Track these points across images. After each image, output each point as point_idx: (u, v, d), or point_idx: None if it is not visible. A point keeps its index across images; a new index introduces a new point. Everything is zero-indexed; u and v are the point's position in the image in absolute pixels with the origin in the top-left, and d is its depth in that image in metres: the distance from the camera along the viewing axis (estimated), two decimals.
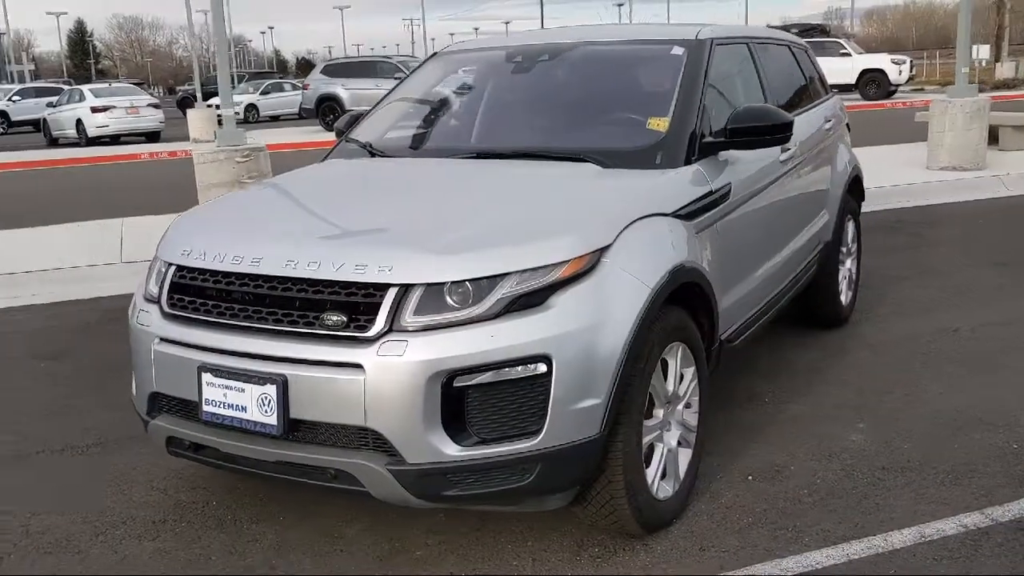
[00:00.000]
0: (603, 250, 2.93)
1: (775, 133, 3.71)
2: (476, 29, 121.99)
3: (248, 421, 2.84)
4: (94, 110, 25.26)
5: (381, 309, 2.71)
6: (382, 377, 2.66)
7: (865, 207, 9.32)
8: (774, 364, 4.93)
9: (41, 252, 8.13)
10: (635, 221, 3.10)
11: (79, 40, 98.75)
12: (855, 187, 5.63)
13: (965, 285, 6.39)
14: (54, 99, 29.04)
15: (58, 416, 4.62)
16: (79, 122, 25.58)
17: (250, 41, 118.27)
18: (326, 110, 24.53)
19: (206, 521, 3.46)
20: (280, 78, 43.68)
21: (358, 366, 2.68)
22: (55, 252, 8.10)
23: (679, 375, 3.28)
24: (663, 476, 3.25)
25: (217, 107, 28.07)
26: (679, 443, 3.35)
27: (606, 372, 2.82)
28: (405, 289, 2.72)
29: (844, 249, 5.51)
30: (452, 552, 3.17)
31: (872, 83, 29.51)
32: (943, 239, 8.04)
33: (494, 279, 2.75)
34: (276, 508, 3.52)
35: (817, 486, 3.55)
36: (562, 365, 2.73)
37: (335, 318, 2.75)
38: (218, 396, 2.89)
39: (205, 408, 2.92)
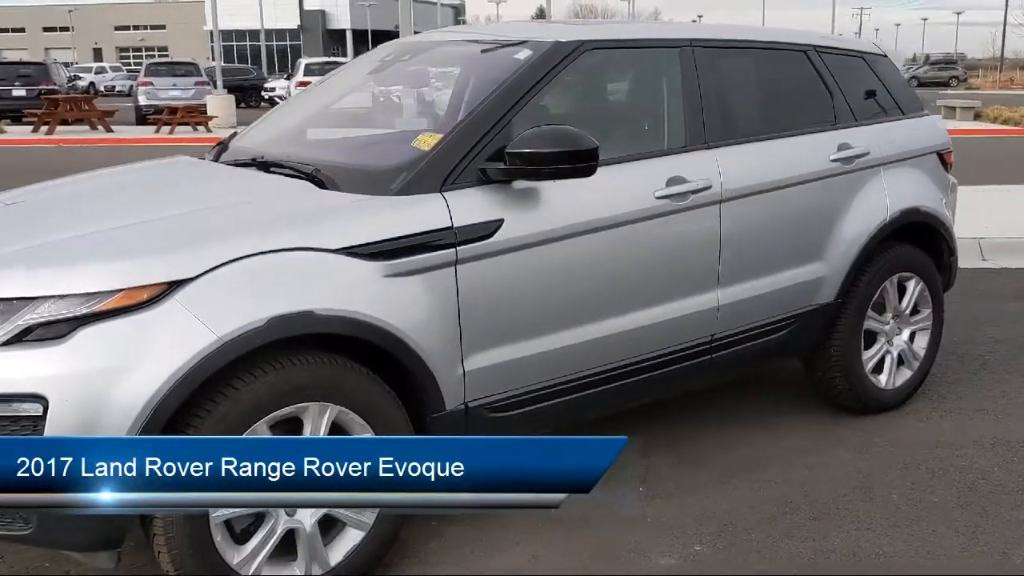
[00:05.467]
0: (177, 284, 2.54)
1: (570, 161, 2.96)
2: (925, 20, 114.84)
3: None
4: None
5: None
6: None
7: None
8: (711, 446, 3.93)
9: None
10: (255, 255, 2.64)
11: None
12: (918, 236, 4.29)
13: None
14: None
15: None
16: None
17: None
18: None
19: None
20: None
21: None
22: None
23: None
24: (294, 559, 2.75)
25: None
26: (324, 523, 2.81)
27: (120, 425, 2.44)
28: None
29: (886, 315, 4.24)
30: None
31: None
32: None
33: (21, 301, 2.50)
34: None
35: None
36: (60, 409, 2.41)
37: None
38: None
39: None
